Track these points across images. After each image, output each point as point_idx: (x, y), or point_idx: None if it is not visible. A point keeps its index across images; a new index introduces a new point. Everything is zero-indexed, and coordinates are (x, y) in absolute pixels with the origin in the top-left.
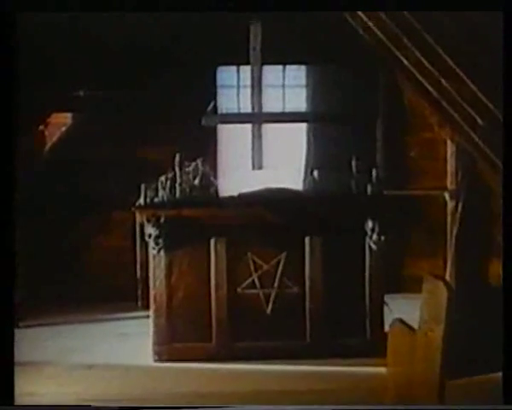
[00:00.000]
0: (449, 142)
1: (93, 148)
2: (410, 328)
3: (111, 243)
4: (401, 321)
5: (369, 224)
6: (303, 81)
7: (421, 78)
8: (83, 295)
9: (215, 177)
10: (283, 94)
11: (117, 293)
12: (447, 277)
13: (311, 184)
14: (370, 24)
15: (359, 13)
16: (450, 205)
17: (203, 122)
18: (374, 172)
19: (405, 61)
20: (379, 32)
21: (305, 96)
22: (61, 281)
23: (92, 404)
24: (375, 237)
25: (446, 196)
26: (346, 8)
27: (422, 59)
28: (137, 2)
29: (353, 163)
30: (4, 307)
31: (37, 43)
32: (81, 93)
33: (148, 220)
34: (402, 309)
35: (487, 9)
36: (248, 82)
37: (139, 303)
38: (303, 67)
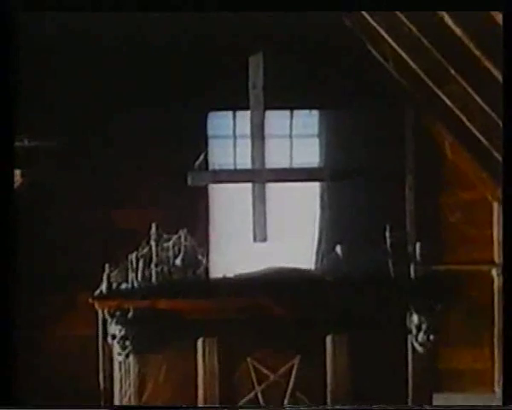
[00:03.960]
0: (495, 203)
1: (47, 212)
2: None
3: (73, 333)
4: None
5: (414, 319)
6: (315, 130)
7: (468, 122)
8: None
9: (204, 253)
10: (291, 145)
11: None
12: (495, 376)
13: (334, 264)
14: (400, 51)
15: (385, 36)
16: (498, 283)
17: (190, 181)
18: (418, 247)
19: (447, 100)
20: (411, 62)
21: (318, 148)
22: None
23: None
24: (421, 336)
25: (493, 271)
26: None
27: (475, 96)
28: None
29: (387, 234)
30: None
31: None
32: (25, 142)
33: (112, 315)
34: None
35: (487, 9)
36: (247, 131)
37: None
38: (315, 112)
